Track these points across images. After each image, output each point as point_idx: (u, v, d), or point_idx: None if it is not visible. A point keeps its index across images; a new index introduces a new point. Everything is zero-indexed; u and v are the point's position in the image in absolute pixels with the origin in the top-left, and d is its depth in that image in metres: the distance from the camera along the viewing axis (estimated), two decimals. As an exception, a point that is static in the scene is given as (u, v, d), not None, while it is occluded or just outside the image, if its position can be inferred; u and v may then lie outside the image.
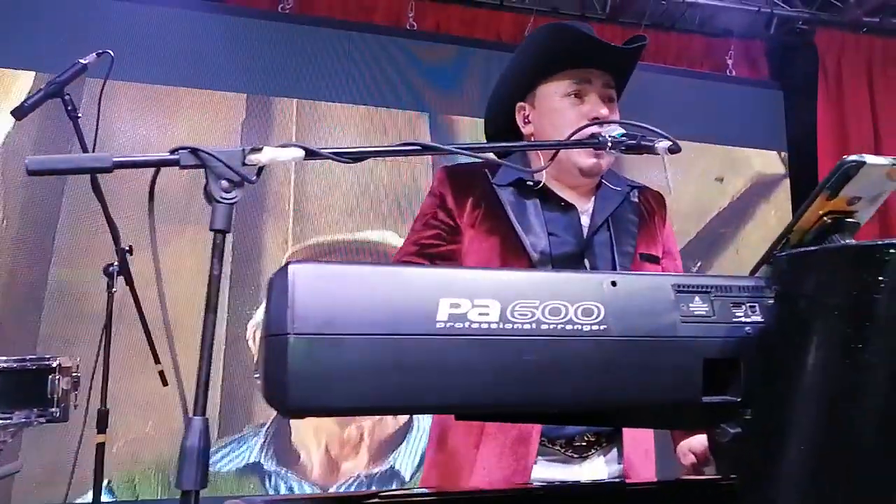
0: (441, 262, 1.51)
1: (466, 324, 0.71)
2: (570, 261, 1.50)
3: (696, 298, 0.80)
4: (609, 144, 1.34)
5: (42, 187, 3.52)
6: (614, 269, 1.52)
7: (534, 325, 0.73)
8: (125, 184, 3.17)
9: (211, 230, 1.03)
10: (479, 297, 0.73)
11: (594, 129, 1.37)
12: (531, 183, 1.54)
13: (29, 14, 3.64)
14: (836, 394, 0.74)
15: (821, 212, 0.80)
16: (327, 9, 4.35)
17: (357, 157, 1.17)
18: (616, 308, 0.77)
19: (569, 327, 0.74)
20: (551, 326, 0.74)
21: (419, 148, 1.19)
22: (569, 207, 1.55)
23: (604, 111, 1.51)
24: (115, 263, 2.33)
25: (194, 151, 1.01)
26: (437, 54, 4.37)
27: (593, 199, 1.59)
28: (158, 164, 1.00)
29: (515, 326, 0.73)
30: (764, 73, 5.13)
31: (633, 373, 0.76)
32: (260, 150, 1.07)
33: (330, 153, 1.12)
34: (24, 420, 2.06)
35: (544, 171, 1.55)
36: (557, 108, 1.54)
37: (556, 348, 0.74)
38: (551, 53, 1.54)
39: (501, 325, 0.72)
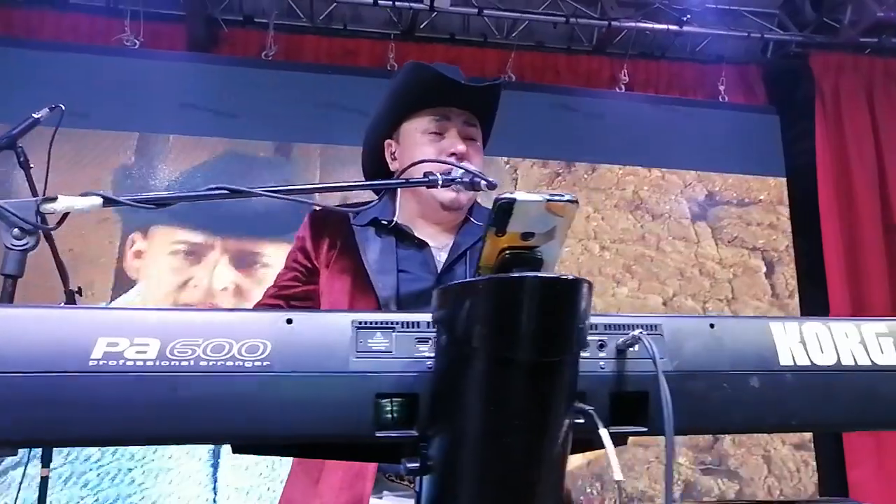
0: (297, 304, 1.55)
1: (122, 361, 0.75)
2: (419, 298, 1.51)
3: (378, 334, 0.82)
4: (440, 183, 1.38)
5: None
6: None
7: (192, 362, 0.77)
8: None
9: (1, 274, 1.10)
10: (139, 336, 0.77)
11: (429, 166, 1.41)
12: (385, 222, 1.57)
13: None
14: (490, 428, 0.75)
15: (499, 248, 0.81)
16: (313, 55, 4.51)
17: (162, 203, 1.23)
18: (285, 345, 0.79)
19: (230, 363, 0.77)
20: (211, 363, 0.77)
21: (227, 192, 1.24)
22: (422, 245, 1.57)
23: (461, 147, 1.54)
24: (63, 304, 2.44)
25: (-9, 203, 1.08)
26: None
27: (455, 234, 1.61)
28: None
29: (173, 364, 0.76)
30: (761, 98, 5.05)
31: (300, 407, 0.78)
32: (55, 199, 1.14)
33: (129, 200, 1.19)
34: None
35: (404, 210, 1.59)
36: (418, 144, 1.58)
37: (214, 384, 0.77)
38: (412, 92, 1.58)
39: (159, 363, 0.76)
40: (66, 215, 1.16)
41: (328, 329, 0.81)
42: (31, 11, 4.17)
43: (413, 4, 4.20)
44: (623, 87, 4.68)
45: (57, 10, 4.18)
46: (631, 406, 0.86)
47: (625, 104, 4.64)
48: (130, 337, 0.76)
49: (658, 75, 4.90)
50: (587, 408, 0.77)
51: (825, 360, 0.92)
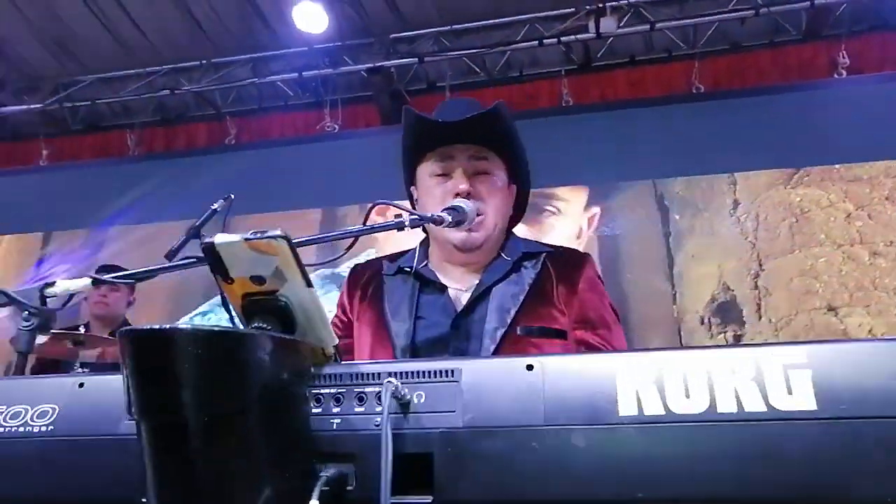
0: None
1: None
2: (434, 345, 1.43)
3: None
4: (407, 224, 1.32)
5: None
6: (482, 349, 1.40)
7: (-3, 429, 0.83)
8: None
9: (16, 351, 1.31)
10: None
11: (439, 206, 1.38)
12: (407, 269, 1.53)
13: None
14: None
15: (239, 296, 0.76)
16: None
17: (142, 278, 1.36)
18: (70, 409, 0.82)
19: (22, 429, 0.82)
20: (5, 430, 0.82)
21: (194, 260, 1.32)
22: (443, 289, 1.50)
23: (462, 186, 1.46)
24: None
25: (3, 292, 1.30)
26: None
27: (482, 273, 1.51)
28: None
29: (-24, 431, 0.83)
30: None
31: (73, 471, 0.80)
32: (54, 283, 1.33)
33: (112, 278, 1.34)
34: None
35: (434, 255, 1.54)
36: (428, 188, 1.53)
37: (13, 452, 0.81)
38: (411, 139, 1.55)
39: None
40: (71, 296, 1.34)
41: (116, 392, 0.82)
42: (248, 119, 4.93)
43: (579, 36, 4.07)
44: (844, 71, 3.95)
45: (272, 113, 4.91)
46: (414, 470, 0.71)
47: (849, 90, 3.89)
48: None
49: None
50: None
51: (690, 407, 0.67)
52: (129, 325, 3.59)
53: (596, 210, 4.08)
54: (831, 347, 0.68)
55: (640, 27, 4.09)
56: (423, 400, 0.73)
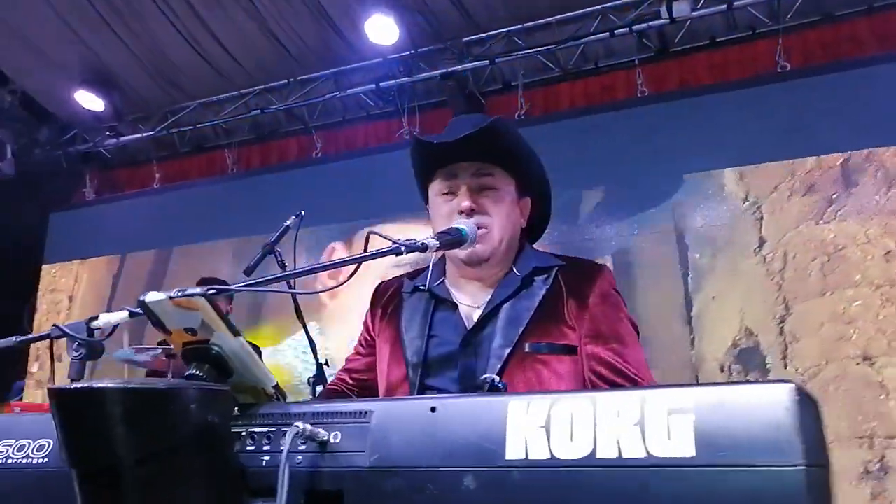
0: (358, 377, 1.63)
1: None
2: (444, 363, 1.47)
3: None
4: (403, 251, 1.37)
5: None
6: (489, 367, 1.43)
7: (3, 461, 0.96)
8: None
9: (68, 378, 1.48)
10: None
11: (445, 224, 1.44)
12: (422, 287, 1.58)
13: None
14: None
15: (179, 343, 0.84)
16: (568, 101, 4.53)
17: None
18: (61, 444, 0.94)
19: (24, 461, 0.95)
20: (10, 461, 0.96)
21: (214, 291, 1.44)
22: (454, 307, 1.53)
23: (465, 204, 1.48)
24: (312, 376, 2.93)
25: (57, 326, 1.48)
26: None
27: (495, 289, 1.53)
28: (38, 339, 1.49)
29: (-5, 462, 0.97)
30: None
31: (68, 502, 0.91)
32: (97, 318, 1.49)
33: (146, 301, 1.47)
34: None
35: (450, 273, 1.58)
36: (436, 206, 1.57)
37: (16, 482, 0.95)
38: (419, 162, 1.60)
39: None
40: (115, 327, 1.49)
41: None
42: (334, 132, 5.13)
43: (651, 23, 3.94)
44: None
45: (355, 124, 5.09)
46: (327, 507, 0.77)
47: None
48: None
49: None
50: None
51: (572, 452, 0.68)
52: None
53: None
54: (717, 390, 0.66)
55: (717, 7, 3.90)
56: (338, 440, 0.78)
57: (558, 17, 4.40)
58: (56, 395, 0.71)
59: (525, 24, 4.48)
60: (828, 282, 3.59)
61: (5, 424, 0.99)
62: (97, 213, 5.97)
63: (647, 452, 0.65)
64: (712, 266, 3.89)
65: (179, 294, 0.78)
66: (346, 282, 1.49)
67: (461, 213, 1.47)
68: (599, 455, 0.66)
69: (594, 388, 1.38)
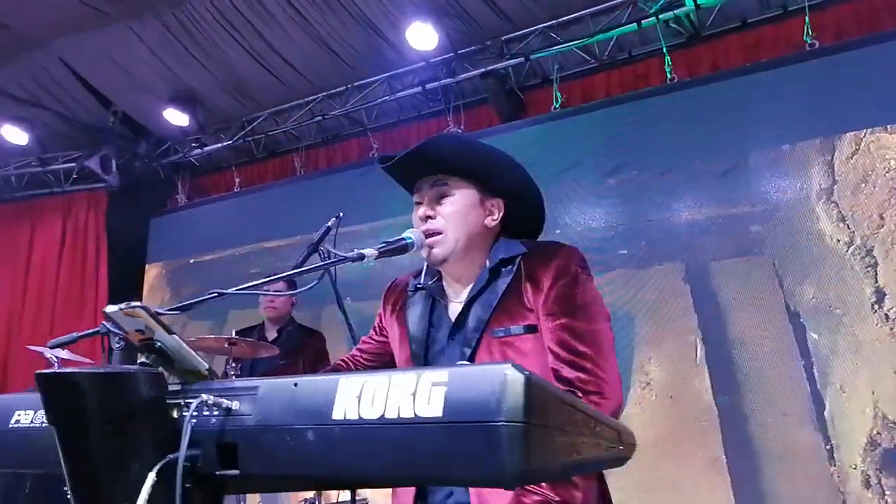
0: (370, 357, 1.90)
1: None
2: (439, 353, 1.69)
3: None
4: (370, 257, 1.67)
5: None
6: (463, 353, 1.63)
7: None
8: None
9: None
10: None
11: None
12: (419, 286, 1.80)
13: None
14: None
15: (136, 340, 1.18)
16: (604, 91, 4.65)
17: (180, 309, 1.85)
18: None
19: (29, 424, 1.33)
20: (22, 425, 1.34)
21: (216, 294, 1.79)
22: (446, 304, 1.73)
23: (421, 211, 1.70)
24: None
25: (105, 323, 1.87)
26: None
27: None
28: (91, 335, 1.91)
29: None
30: None
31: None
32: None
33: (164, 310, 1.85)
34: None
35: (439, 273, 1.82)
36: (413, 215, 1.82)
37: (20, 440, 1.33)
38: (394, 178, 1.85)
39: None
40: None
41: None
42: (388, 132, 5.45)
43: (676, 11, 4.02)
44: None
45: (407, 124, 5.41)
46: (229, 454, 1.09)
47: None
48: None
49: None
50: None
51: (371, 413, 0.96)
52: (295, 322, 4.22)
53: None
54: (466, 370, 0.93)
55: (743, -10, 3.92)
56: (237, 407, 1.10)
57: (590, 9, 4.53)
58: (40, 377, 1.07)
59: (560, 19, 4.64)
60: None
61: (20, 401, 1.37)
62: (189, 216, 6.63)
63: (415, 413, 0.92)
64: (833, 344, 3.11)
65: (125, 307, 1.12)
66: (315, 284, 1.81)
67: (425, 220, 1.72)
68: (387, 416, 0.94)
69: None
